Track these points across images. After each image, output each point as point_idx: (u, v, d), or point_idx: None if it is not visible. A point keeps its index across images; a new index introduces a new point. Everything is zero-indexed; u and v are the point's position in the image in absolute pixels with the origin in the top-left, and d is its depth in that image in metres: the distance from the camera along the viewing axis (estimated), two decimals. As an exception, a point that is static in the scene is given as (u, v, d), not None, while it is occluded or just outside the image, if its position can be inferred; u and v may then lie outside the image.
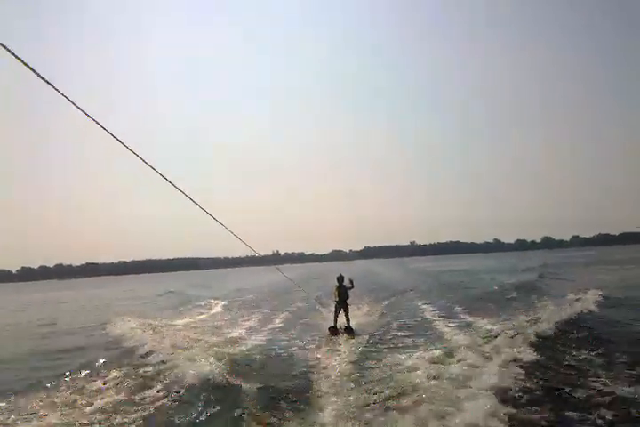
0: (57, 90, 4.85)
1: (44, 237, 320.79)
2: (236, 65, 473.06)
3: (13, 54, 4.29)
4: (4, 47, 4.20)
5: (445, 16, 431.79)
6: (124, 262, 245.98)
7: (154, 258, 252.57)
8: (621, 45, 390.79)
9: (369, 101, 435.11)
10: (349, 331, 13.86)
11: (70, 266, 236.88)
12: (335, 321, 14.38)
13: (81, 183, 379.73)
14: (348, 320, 14.36)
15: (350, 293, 15.01)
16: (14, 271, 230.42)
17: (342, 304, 14.53)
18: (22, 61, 4.42)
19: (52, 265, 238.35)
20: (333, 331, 13.92)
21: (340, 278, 14.96)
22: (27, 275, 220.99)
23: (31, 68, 4.48)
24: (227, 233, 9.84)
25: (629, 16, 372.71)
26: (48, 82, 4.71)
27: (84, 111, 5.29)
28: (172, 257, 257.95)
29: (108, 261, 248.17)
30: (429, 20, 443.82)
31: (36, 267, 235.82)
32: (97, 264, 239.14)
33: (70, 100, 4.98)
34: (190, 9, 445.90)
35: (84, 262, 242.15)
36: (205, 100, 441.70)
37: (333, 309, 14.82)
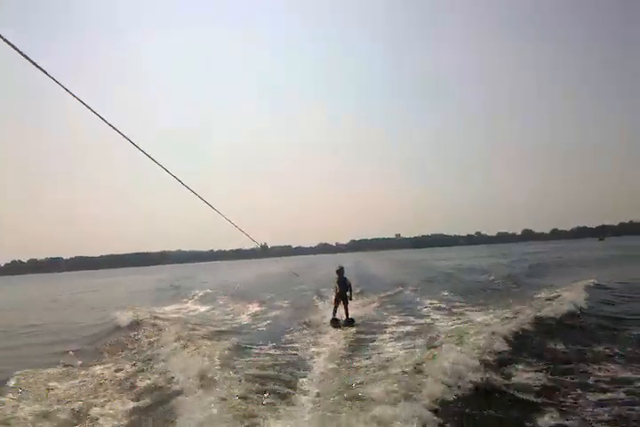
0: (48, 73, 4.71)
1: (32, 231, 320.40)
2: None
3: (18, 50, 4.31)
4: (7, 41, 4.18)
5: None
6: (112, 255, 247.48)
7: (141, 251, 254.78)
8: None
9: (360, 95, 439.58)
10: (350, 323, 13.96)
11: (61, 259, 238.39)
12: (334, 313, 14.34)
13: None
14: (347, 312, 14.32)
15: (352, 286, 14.95)
16: (2, 265, 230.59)
17: (342, 296, 14.44)
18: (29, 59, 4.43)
19: (42, 258, 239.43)
20: (334, 323, 13.88)
21: (340, 271, 14.77)
22: (15, 268, 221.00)
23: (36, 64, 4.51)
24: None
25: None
26: (54, 79, 4.77)
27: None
28: (159, 250, 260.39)
29: (97, 254, 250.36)
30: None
31: (25, 260, 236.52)
32: (87, 257, 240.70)
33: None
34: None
35: (73, 256, 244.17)
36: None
37: (333, 300, 14.80)
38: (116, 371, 10.07)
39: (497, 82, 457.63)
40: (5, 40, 4.17)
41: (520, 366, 8.40)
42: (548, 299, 15.72)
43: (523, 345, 9.73)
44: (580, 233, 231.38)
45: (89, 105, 5.30)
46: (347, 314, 14.33)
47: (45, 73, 4.64)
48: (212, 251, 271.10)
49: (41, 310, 27.92)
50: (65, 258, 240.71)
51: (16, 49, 4.28)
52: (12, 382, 9.16)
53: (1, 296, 52.19)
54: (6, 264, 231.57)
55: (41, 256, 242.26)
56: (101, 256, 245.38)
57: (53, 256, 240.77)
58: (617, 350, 9.32)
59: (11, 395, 8.36)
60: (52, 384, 9.15)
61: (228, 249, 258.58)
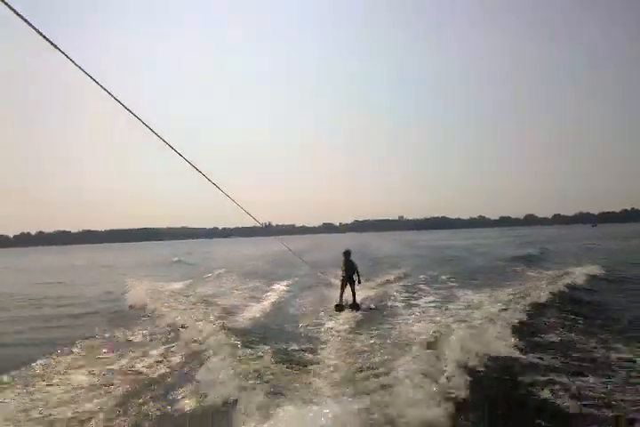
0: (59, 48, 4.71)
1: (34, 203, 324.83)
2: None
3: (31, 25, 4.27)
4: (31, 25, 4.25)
5: None
6: (120, 230, 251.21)
7: (147, 226, 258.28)
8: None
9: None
10: (355, 307, 13.58)
11: (69, 233, 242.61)
12: (341, 297, 13.94)
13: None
14: (354, 296, 13.99)
15: (359, 269, 14.68)
16: (11, 237, 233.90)
17: (349, 279, 14.19)
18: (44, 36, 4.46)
19: (51, 231, 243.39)
20: (339, 308, 13.54)
21: (347, 253, 14.59)
22: (24, 241, 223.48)
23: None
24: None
25: None
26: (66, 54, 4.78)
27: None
28: (165, 226, 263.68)
29: (103, 228, 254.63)
30: None
31: (33, 233, 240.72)
32: (95, 231, 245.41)
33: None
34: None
35: (81, 229, 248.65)
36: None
37: (340, 284, 14.44)
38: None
39: (499, 81, 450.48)
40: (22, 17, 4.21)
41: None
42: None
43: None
44: (582, 218, 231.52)
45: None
46: (354, 298, 13.97)
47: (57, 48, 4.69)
48: (216, 228, 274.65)
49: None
50: (73, 231, 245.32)
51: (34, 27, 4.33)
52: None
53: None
54: (15, 236, 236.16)
55: (49, 229, 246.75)
56: (106, 231, 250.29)
57: (63, 229, 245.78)
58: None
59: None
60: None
61: (233, 227, 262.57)
